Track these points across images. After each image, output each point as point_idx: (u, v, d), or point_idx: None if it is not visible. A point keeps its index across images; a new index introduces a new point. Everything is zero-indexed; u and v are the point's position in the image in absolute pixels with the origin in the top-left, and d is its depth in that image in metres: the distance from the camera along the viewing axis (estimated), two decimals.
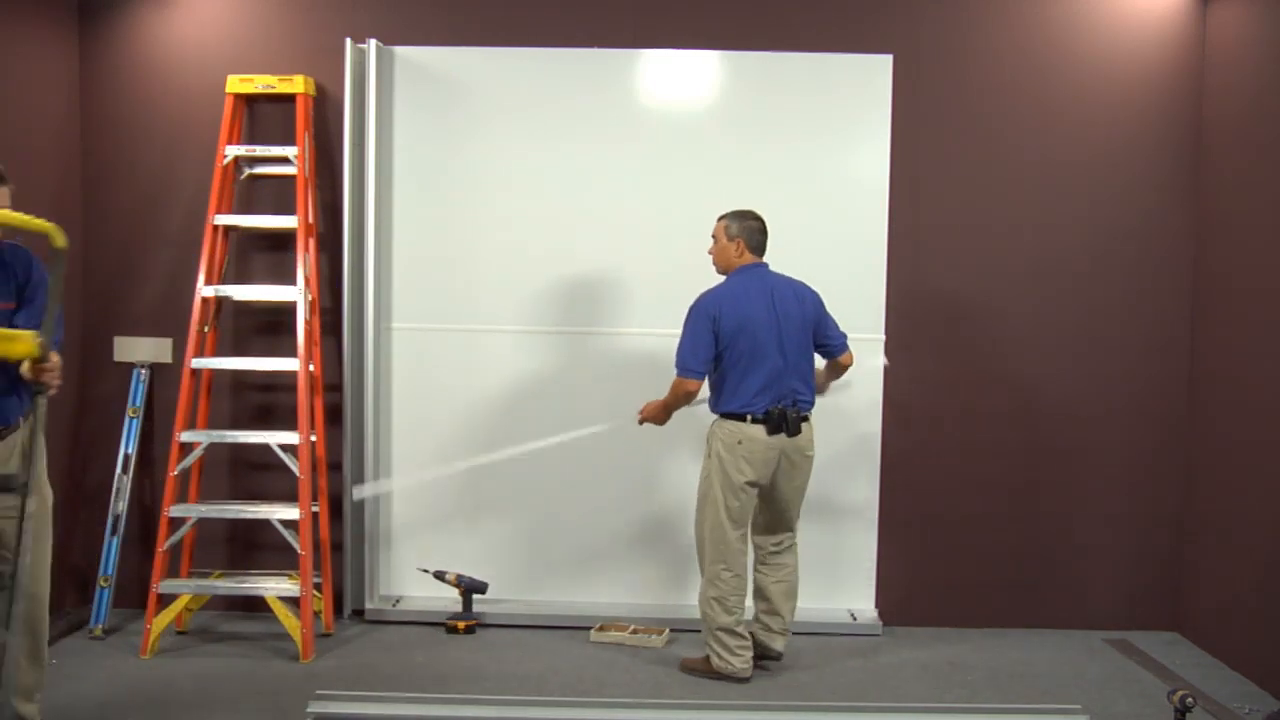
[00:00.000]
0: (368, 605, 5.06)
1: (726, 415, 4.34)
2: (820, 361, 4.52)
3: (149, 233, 5.08)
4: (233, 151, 4.87)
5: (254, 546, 5.12)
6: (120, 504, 4.92)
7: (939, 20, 5.01)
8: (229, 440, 4.87)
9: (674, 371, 4.34)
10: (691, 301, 4.36)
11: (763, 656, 4.52)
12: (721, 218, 4.43)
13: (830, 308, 4.47)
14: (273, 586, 4.69)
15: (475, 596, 4.97)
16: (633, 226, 5.00)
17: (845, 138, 5.01)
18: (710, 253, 4.46)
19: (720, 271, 4.45)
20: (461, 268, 5.06)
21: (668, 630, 4.89)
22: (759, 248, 4.39)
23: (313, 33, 5.01)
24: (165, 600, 4.66)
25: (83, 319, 5.08)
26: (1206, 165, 4.98)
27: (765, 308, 4.31)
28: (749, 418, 4.30)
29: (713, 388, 4.41)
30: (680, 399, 4.39)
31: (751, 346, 4.28)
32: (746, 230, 4.38)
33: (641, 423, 4.56)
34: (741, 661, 4.37)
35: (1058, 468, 5.10)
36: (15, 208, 4.62)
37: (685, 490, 4.98)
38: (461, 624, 4.91)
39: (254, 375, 5.05)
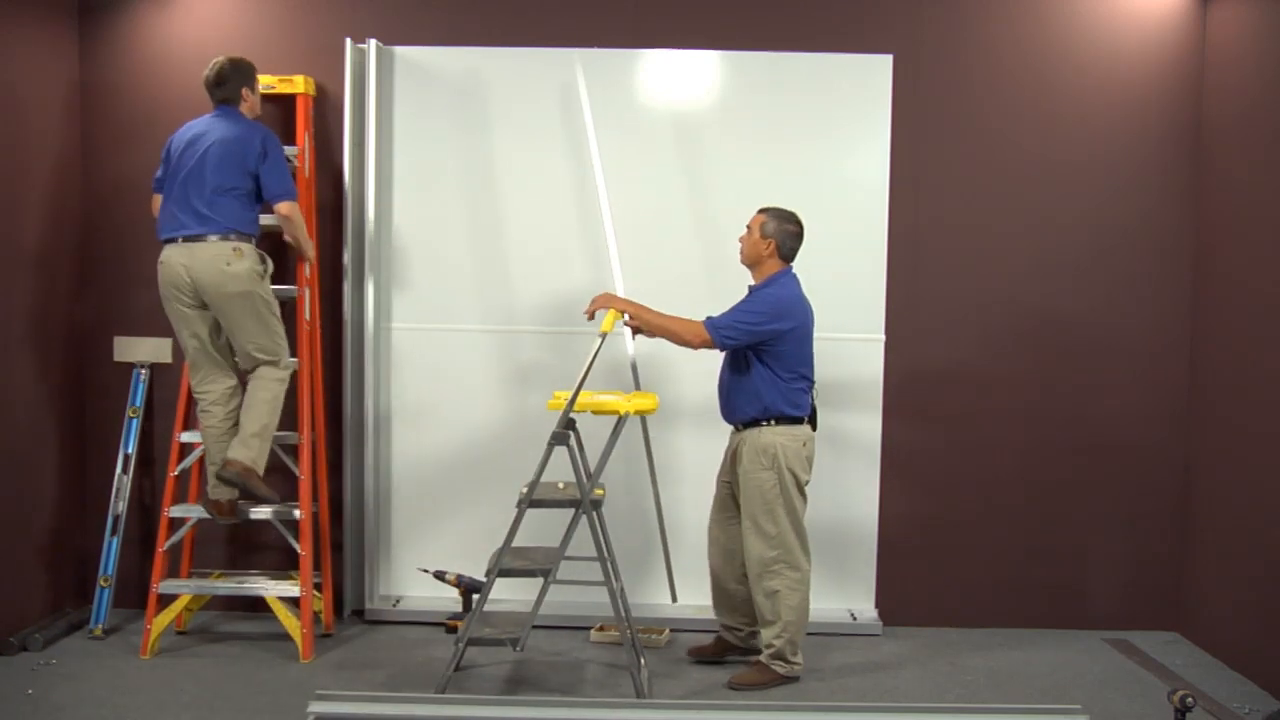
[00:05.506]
0: (368, 605, 5.06)
1: (787, 420, 4.34)
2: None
3: (149, 233, 5.04)
4: None
5: (254, 546, 5.12)
6: (120, 504, 4.92)
7: (939, 20, 5.01)
8: None
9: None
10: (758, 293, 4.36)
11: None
12: (762, 211, 4.41)
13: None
14: (273, 587, 4.69)
15: (475, 596, 4.96)
16: (633, 226, 4.99)
17: (845, 138, 5.01)
18: (740, 240, 4.43)
19: (747, 263, 4.42)
20: (461, 268, 5.05)
21: (668, 630, 4.89)
22: (791, 254, 4.40)
23: (313, 33, 5.01)
24: (165, 600, 4.66)
25: (83, 319, 5.08)
26: (1206, 165, 4.97)
27: (809, 317, 4.38)
28: (805, 419, 4.38)
29: (761, 394, 4.32)
30: (684, 342, 4.30)
31: (809, 354, 4.37)
32: (782, 234, 4.37)
33: (593, 314, 4.37)
34: (800, 662, 4.42)
35: (1057, 467, 5.10)
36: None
37: (685, 490, 4.98)
38: (461, 624, 4.90)
39: None
